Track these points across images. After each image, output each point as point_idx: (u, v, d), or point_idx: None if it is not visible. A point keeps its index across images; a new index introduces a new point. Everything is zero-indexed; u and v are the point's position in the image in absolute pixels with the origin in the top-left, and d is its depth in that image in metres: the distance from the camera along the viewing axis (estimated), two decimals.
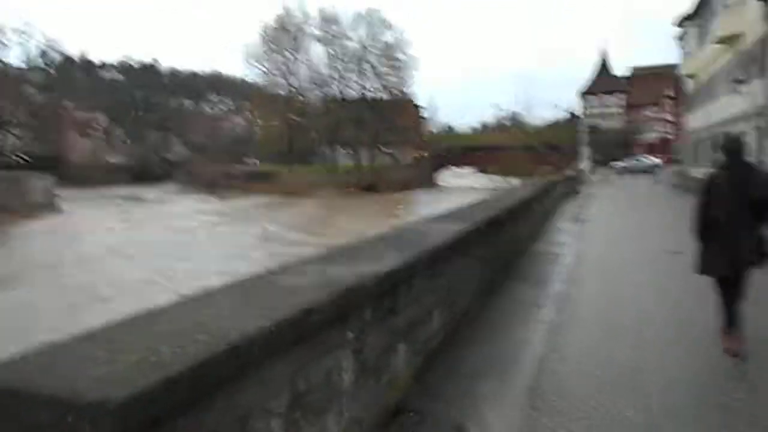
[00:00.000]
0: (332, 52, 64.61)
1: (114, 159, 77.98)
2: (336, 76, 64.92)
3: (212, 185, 58.03)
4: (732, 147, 4.64)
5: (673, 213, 17.40)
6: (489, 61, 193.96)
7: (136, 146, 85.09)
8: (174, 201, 49.57)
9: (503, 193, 10.36)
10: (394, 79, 65.38)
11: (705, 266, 4.70)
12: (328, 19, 64.26)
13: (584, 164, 40.50)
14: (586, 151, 42.11)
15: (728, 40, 25.89)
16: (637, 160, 54.26)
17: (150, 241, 24.96)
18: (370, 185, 56.36)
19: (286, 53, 65.00)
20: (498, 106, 39.52)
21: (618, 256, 9.97)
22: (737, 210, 4.48)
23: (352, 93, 65.69)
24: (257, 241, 26.05)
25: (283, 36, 64.49)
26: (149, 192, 56.47)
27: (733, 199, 4.48)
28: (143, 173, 73.12)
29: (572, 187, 27.24)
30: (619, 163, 54.37)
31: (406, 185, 58.48)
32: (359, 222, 29.19)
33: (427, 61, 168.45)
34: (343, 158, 65.62)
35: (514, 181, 27.90)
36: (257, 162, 78.06)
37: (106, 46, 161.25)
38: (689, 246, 5.10)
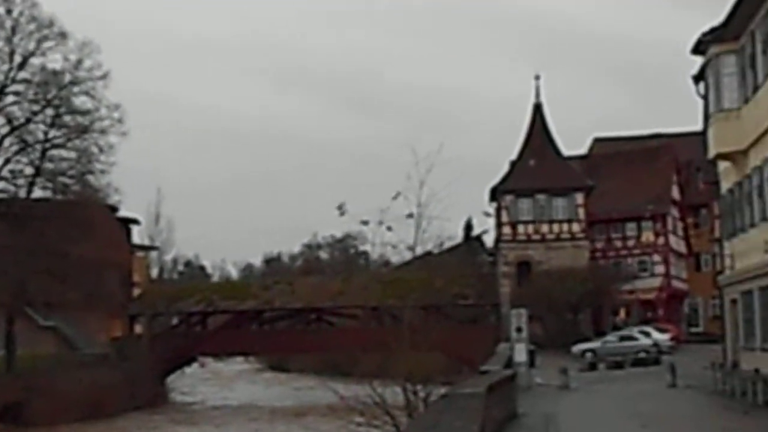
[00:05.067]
0: None
1: None
2: None
3: None
4: None
5: None
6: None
7: None
8: None
9: None
10: (69, 155, 65.31)
11: None
12: None
13: (518, 348, 40.21)
14: (516, 319, 42.00)
15: None
16: (624, 337, 57.02)
17: None
18: (9, 408, 55.54)
19: None
20: (343, 207, 37.43)
21: None
22: None
23: None
24: None
25: None
26: None
27: None
28: None
29: (507, 403, 27.18)
30: (588, 345, 56.65)
31: (97, 405, 58.67)
32: None
33: (144, 121, 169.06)
34: None
35: None
36: None
37: None
38: None
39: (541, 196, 72.73)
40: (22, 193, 63.90)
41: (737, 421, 26.66)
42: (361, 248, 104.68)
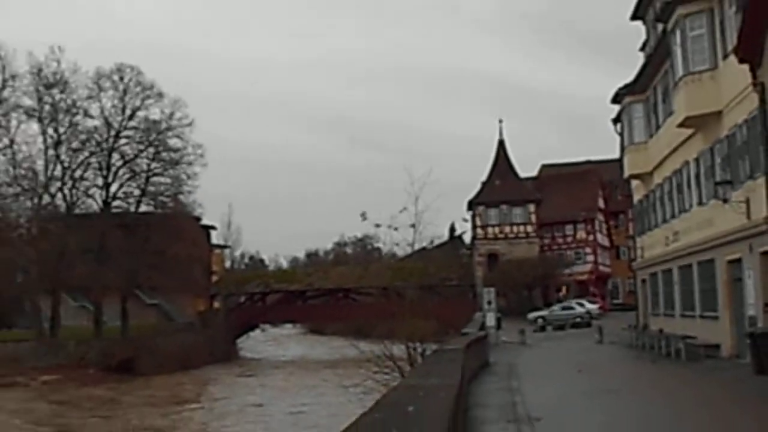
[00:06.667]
0: (53, 135, 61.93)
1: None
2: (60, 173, 62.48)
3: None
4: None
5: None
6: (314, 156, 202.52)
7: None
8: None
9: None
10: (165, 181, 65.62)
11: None
12: (50, 83, 61.81)
13: (489, 316, 40.31)
14: (487, 295, 42.23)
15: (695, 122, 27.29)
16: (565, 307, 57.44)
17: None
18: (123, 363, 55.36)
19: None
20: (365, 214, 37.89)
21: None
22: None
23: (91, 204, 64.96)
24: None
25: None
26: None
27: None
28: None
29: (481, 355, 27.35)
30: (539, 313, 57.00)
31: (186, 360, 59.26)
32: None
33: (218, 155, 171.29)
34: (75, 314, 63.53)
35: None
36: None
37: None
38: None
39: (504, 207, 72.76)
40: (132, 209, 64.50)
41: (646, 367, 26.77)
42: (376, 245, 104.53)
